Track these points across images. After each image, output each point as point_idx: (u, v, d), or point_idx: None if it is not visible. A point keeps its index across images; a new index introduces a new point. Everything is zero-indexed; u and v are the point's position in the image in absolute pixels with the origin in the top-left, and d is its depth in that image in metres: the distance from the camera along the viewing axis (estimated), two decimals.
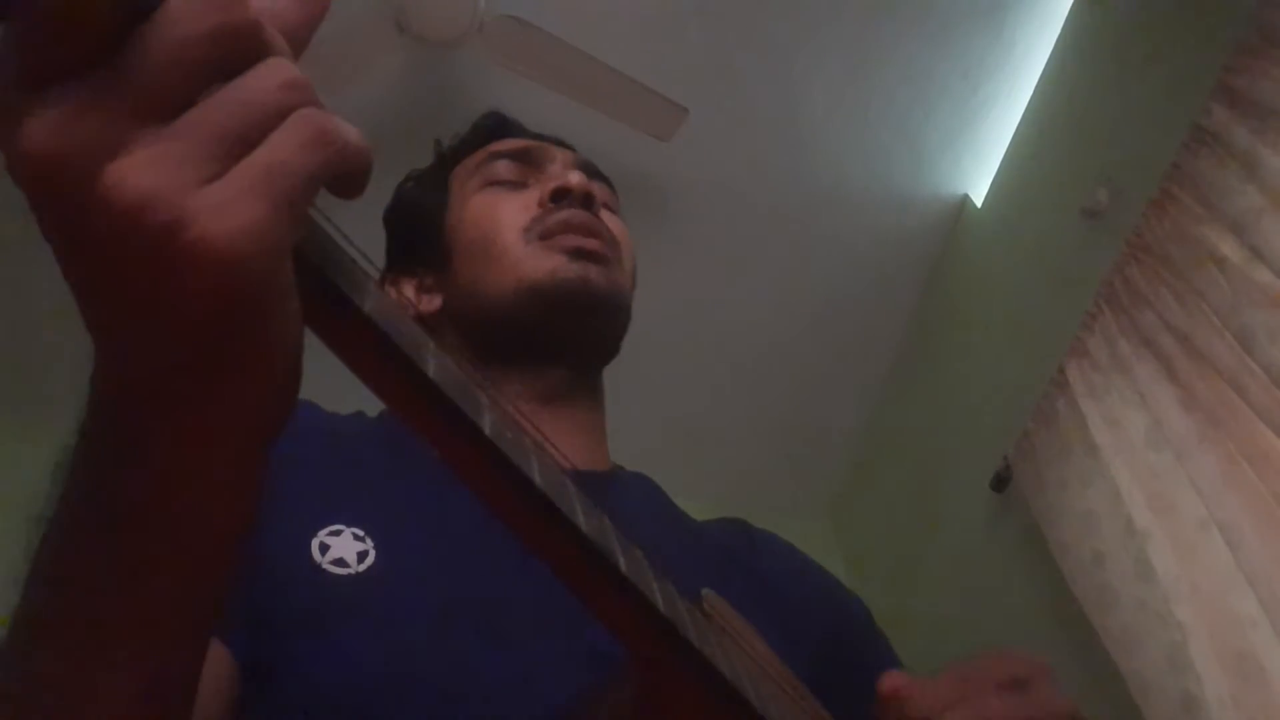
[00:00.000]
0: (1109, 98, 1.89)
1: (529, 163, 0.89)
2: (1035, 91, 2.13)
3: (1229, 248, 1.42)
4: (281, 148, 0.29)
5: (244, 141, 0.29)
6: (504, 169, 0.88)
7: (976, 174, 2.26)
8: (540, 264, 0.79)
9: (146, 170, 0.27)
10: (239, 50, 0.29)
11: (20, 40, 0.27)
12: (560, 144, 0.94)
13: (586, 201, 0.83)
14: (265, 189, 0.28)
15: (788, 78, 2.11)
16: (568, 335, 0.81)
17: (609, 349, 0.86)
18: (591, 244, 0.80)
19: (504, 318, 0.79)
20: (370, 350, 0.34)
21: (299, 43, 0.32)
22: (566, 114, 1.87)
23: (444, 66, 2.03)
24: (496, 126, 0.95)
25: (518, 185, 0.87)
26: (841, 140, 2.20)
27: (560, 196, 0.83)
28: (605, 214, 0.86)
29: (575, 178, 0.84)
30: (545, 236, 0.80)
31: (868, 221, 2.31)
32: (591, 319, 0.81)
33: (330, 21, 0.35)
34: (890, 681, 0.50)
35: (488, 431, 0.36)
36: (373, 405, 0.77)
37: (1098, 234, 1.80)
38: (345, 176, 0.31)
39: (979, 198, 2.27)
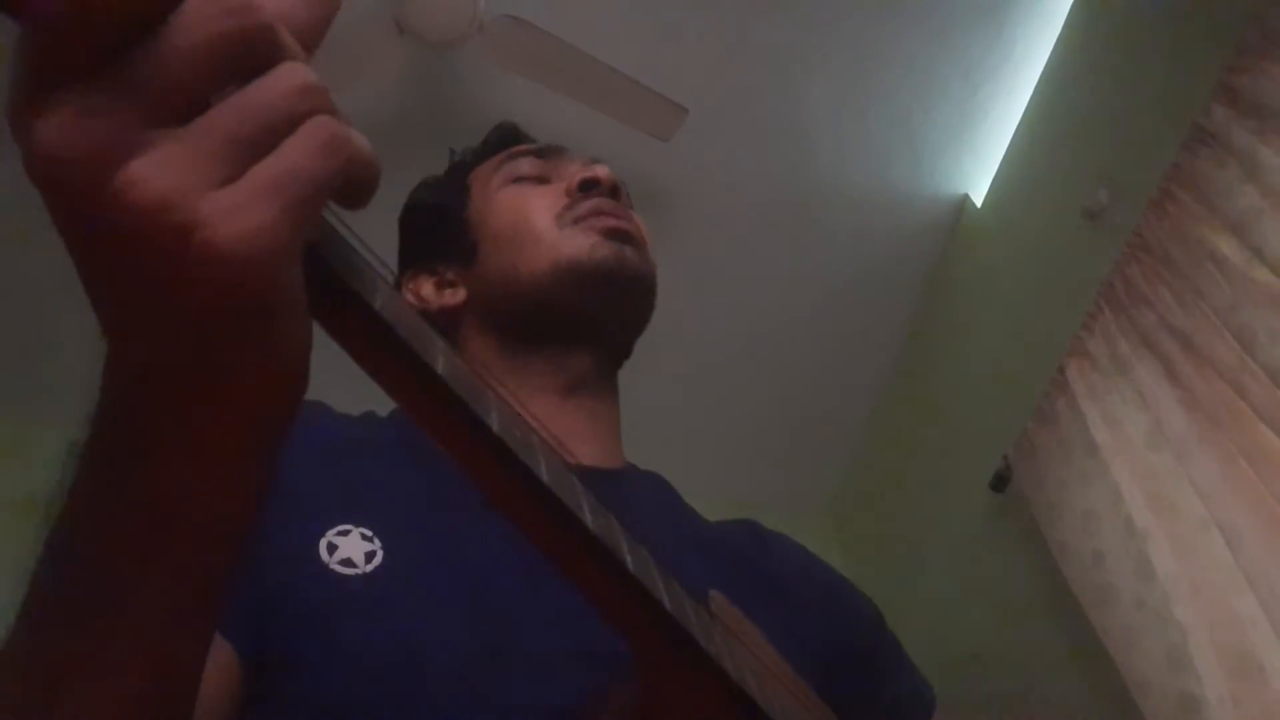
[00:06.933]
0: (1109, 98, 1.89)
1: (550, 160, 0.91)
2: (1035, 91, 2.13)
3: (1229, 248, 1.42)
4: (293, 154, 0.29)
5: (257, 146, 0.29)
6: (526, 166, 0.90)
7: (976, 174, 2.26)
8: (578, 243, 0.80)
9: (159, 172, 0.27)
10: (254, 54, 0.29)
11: (35, 40, 0.27)
12: None
13: (614, 192, 0.86)
14: (276, 194, 0.28)
15: (788, 78, 2.11)
16: (601, 314, 0.82)
17: (633, 334, 0.88)
18: (626, 225, 0.83)
19: (539, 298, 0.81)
20: (380, 347, 0.34)
21: (310, 43, 0.32)
22: (566, 114, 1.87)
23: (444, 66, 2.03)
24: (510, 136, 0.97)
25: (541, 180, 0.89)
26: (842, 140, 2.20)
27: (589, 186, 0.85)
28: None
29: (602, 170, 0.86)
30: (578, 221, 0.82)
31: (868, 221, 2.31)
32: (626, 298, 0.83)
33: None
34: None
35: (495, 428, 0.36)
36: (383, 405, 0.78)
37: (1098, 234, 1.80)
38: (353, 185, 0.31)
39: (979, 198, 2.27)
